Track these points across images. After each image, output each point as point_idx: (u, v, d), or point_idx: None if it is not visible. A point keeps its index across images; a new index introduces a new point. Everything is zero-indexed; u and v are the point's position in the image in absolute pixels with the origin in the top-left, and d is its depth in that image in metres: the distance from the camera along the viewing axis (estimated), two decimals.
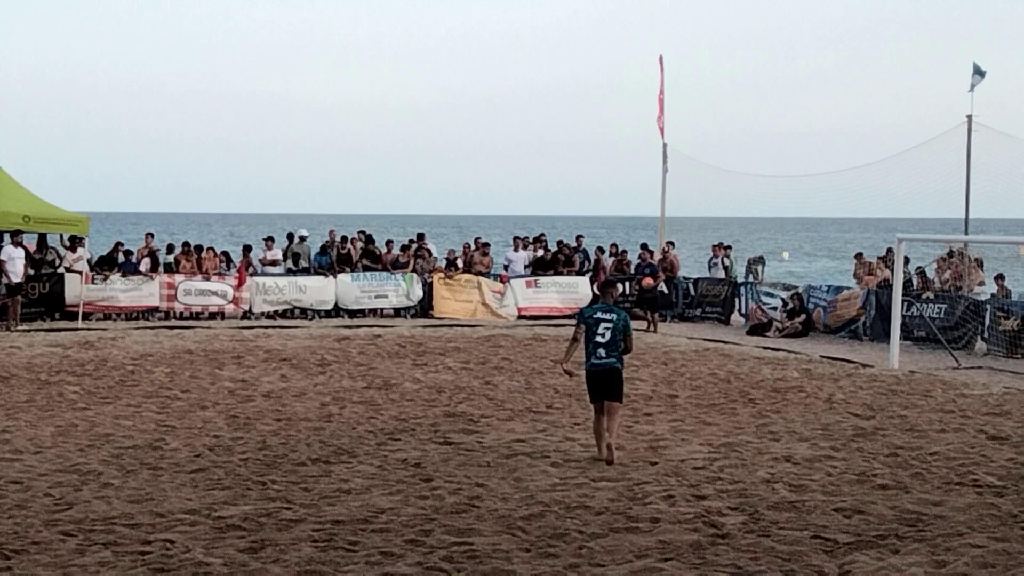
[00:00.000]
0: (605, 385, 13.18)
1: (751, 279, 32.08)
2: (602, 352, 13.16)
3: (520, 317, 31.46)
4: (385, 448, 13.95)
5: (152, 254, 30.90)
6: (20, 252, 27.50)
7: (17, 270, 27.31)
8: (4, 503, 11.07)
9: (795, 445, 14.37)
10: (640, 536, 10.06)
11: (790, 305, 28.97)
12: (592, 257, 33.70)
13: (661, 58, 36.36)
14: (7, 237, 28.26)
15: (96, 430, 14.86)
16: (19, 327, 26.65)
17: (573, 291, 32.23)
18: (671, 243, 34.16)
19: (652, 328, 28.76)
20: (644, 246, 32.70)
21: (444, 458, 13.40)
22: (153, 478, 12.25)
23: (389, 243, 33.80)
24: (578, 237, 34.94)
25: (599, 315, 13.32)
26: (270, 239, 33.04)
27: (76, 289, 28.37)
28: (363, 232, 34.28)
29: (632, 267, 32.96)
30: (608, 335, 13.15)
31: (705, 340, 26.68)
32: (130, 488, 11.75)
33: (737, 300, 31.39)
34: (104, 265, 29.76)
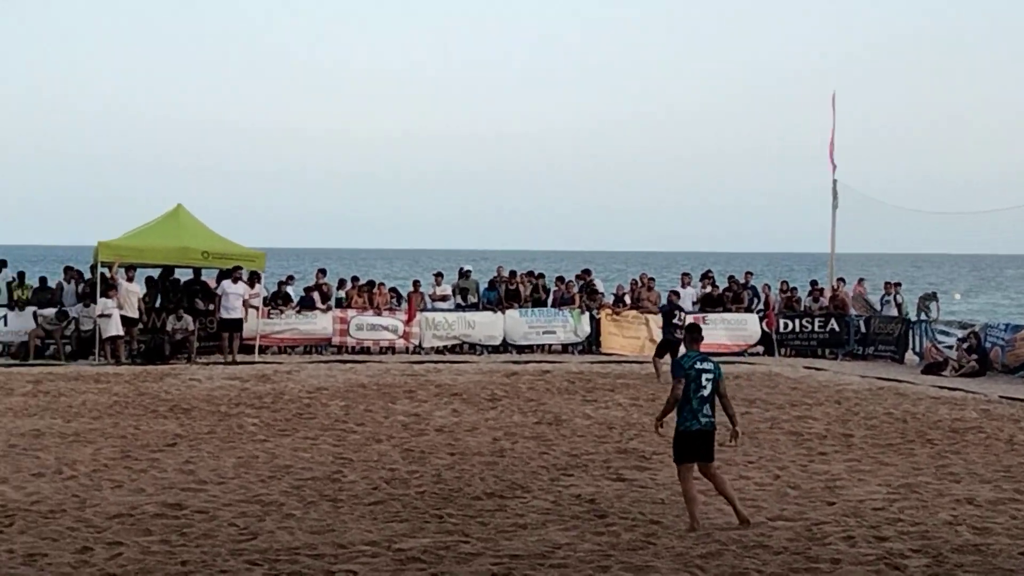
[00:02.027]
0: (705, 447, 11.86)
1: (923, 317, 31.40)
2: (708, 410, 11.78)
3: None
4: (559, 484, 14.00)
5: (322, 289, 31.48)
6: (240, 288, 28.43)
7: (234, 305, 28.28)
8: (192, 532, 11.40)
9: (977, 487, 14.01)
10: None
11: (967, 344, 28.27)
12: (761, 294, 33.37)
13: (833, 96, 36.24)
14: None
15: (276, 462, 15.20)
16: (231, 360, 27.83)
17: (742, 328, 31.96)
18: (841, 280, 33.68)
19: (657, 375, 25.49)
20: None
21: (618, 494, 13.39)
22: (333, 510, 12.48)
23: (559, 279, 33.82)
24: (747, 273, 34.63)
25: (699, 365, 11.84)
26: (439, 275, 33.37)
27: (253, 323, 29.09)
28: (532, 273, 34.46)
29: (794, 302, 32.66)
30: (709, 387, 11.89)
31: (879, 379, 26.19)
32: (311, 519, 12.00)
33: (911, 338, 30.74)
34: (278, 300, 30.46)
